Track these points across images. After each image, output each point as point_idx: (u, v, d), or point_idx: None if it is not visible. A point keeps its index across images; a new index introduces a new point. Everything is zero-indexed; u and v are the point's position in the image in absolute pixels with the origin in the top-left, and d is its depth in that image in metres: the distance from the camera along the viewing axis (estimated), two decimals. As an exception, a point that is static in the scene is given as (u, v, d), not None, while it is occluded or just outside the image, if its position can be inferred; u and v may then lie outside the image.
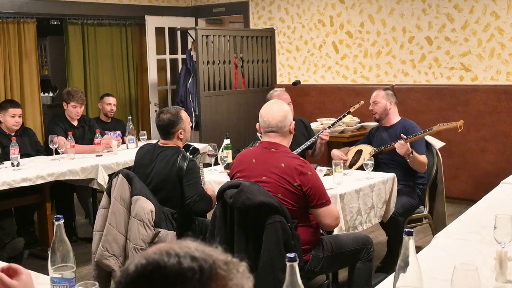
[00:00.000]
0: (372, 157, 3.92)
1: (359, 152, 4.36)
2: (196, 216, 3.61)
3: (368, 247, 3.16)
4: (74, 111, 5.24)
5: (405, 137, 3.99)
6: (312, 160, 4.55)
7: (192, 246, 0.93)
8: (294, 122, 3.05)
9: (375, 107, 4.35)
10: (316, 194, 2.86)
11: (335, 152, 4.43)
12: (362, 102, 4.61)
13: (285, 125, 2.98)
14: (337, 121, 4.83)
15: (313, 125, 5.39)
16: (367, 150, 4.32)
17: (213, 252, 0.93)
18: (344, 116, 4.89)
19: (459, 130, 4.02)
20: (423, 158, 4.08)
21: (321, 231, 3.17)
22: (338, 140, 5.84)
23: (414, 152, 3.99)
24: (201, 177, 3.57)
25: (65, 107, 5.29)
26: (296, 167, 2.86)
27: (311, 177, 2.87)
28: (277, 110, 3.00)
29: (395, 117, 4.35)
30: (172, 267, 0.88)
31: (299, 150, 4.22)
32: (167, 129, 3.52)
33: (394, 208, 3.87)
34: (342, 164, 3.71)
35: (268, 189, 2.82)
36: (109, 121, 5.84)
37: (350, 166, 4.32)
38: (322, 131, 4.40)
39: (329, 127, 4.59)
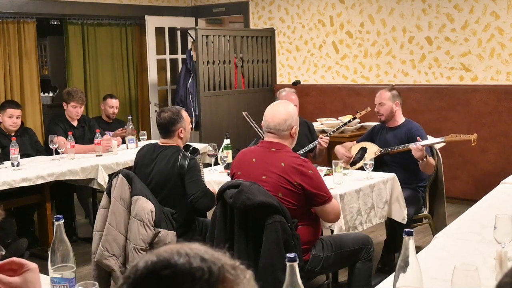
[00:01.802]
0: (373, 158, 3.92)
1: (363, 150, 4.35)
2: (197, 216, 3.62)
3: (368, 247, 3.16)
4: (74, 111, 5.24)
5: (421, 141, 3.98)
6: (313, 160, 4.55)
7: (202, 249, 0.94)
8: (296, 127, 3.01)
9: (381, 108, 4.30)
10: (318, 192, 2.87)
11: (339, 149, 4.43)
12: (369, 108, 4.59)
13: (284, 129, 2.96)
14: (342, 126, 4.85)
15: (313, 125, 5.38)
16: (372, 149, 4.29)
17: (221, 257, 0.94)
18: (349, 121, 4.91)
19: (473, 144, 4.01)
20: (432, 160, 4.09)
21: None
22: (338, 140, 5.83)
23: (427, 156, 3.99)
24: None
25: (65, 107, 5.28)
26: (296, 167, 2.86)
27: (311, 176, 2.87)
28: (279, 112, 2.97)
29: (400, 118, 4.33)
30: (182, 266, 0.89)
31: (301, 152, 4.22)
32: (168, 127, 3.53)
33: (405, 210, 3.85)
34: (342, 164, 3.71)
35: (268, 188, 2.82)
36: (111, 121, 5.84)
37: (353, 164, 4.32)
38: (322, 137, 4.40)
39: (333, 131, 4.58)
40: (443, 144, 4.38)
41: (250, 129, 4.51)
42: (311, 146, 4.40)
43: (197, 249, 0.93)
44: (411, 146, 3.98)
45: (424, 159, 3.96)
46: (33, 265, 1.46)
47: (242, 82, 7.10)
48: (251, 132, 4.53)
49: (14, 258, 1.46)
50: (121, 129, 5.52)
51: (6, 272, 1.43)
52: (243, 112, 4.35)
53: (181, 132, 3.55)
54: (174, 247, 0.94)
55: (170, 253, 0.91)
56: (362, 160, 4.11)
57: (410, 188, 4.14)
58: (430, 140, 4.14)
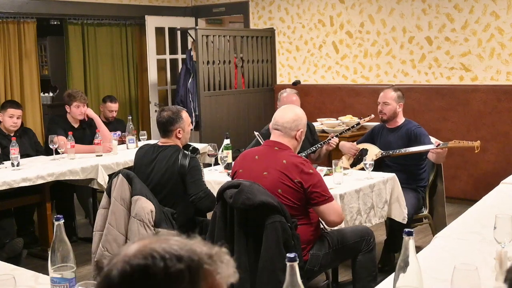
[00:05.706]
0: (373, 160, 3.92)
1: (363, 151, 4.36)
2: (197, 216, 3.61)
3: (368, 238, 3.15)
4: (77, 111, 5.17)
5: (439, 143, 4.08)
6: (314, 161, 4.56)
7: (174, 244, 0.91)
8: (302, 130, 3.04)
9: (385, 108, 4.30)
10: (318, 191, 2.87)
11: (345, 143, 4.47)
12: (372, 115, 4.62)
13: (291, 128, 3.00)
14: (346, 131, 4.88)
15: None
16: (373, 151, 4.29)
17: (196, 247, 0.91)
18: (353, 127, 4.96)
19: (476, 151, 4.02)
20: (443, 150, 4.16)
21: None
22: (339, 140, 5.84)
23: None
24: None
25: (67, 110, 5.18)
26: (298, 165, 2.89)
27: (312, 175, 2.88)
28: (289, 112, 3.05)
29: (400, 119, 4.35)
30: (160, 273, 0.86)
31: (304, 153, 4.22)
32: (166, 126, 3.53)
33: (406, 209, 3.85)
34: (342, 164, 3.71)
35: (268, 184, 2.83)
36: (110, 122, 5.84)
37: (353, 165, 4.32)
38: (330, 139, 4.41)
39: (337, 136, 4.62)
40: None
41: (250, 129, 4.51)
42: (319, 146, 4.42)
43: (169, 246, 0.90)
44: (432, 151, 4.03)
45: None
46: None
47: (242, 82, 7.10)
48: (251, 132, 4.52)
49: None
50: (120, 137, 5.56)
51: None
52: (255, 132, 4.36)
53: (179, 132, 3.54)
54: (144, 249, 0.89)
55: (143, 258, 0.87)
56: (363, 162, 4.12)
57: (410, 189, 4.15)
58: (434, 140, 4.22)
